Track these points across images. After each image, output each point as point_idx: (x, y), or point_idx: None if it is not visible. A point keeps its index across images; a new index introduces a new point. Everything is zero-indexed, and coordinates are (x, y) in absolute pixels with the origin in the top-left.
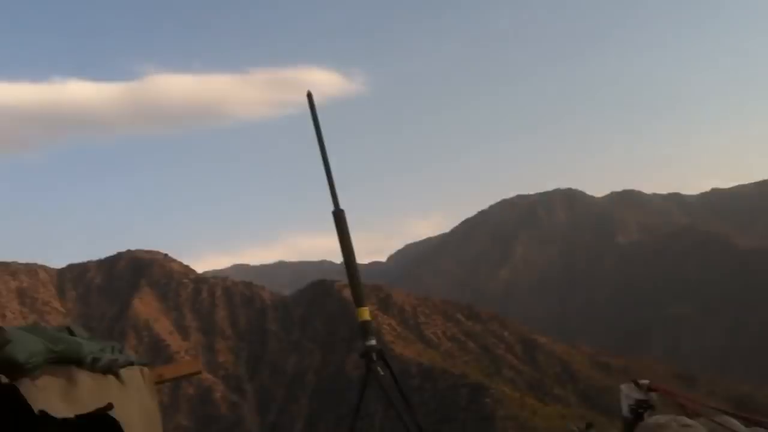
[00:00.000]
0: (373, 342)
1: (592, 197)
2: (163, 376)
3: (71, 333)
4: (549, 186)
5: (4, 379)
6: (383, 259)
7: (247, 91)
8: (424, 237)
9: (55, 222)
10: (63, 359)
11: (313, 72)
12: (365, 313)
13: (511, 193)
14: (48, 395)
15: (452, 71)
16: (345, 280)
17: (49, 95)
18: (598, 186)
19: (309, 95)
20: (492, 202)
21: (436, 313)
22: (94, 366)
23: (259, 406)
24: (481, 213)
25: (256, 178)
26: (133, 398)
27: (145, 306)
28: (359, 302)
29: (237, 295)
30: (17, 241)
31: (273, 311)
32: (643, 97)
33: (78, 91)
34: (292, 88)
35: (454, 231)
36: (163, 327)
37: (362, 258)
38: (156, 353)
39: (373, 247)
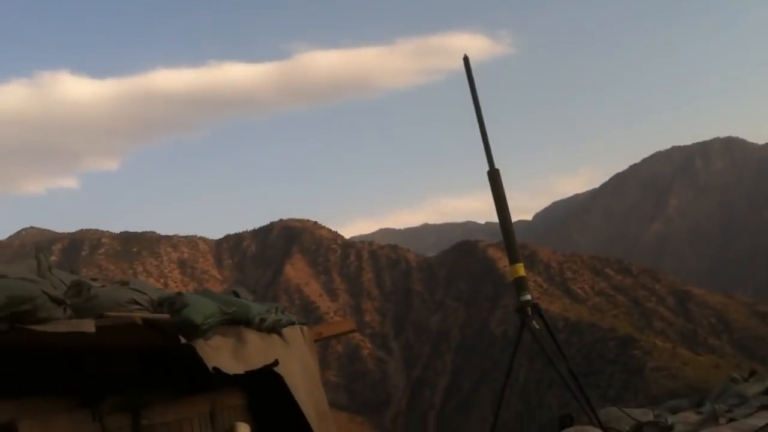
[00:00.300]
0: (528, 297)
1: (753, 144)
2: (321, 334)
3: (237, 296)
4: (707, 135)
5: (183, 340)
6: (529, 217)
7: (393, 62)
8: (571, 194)
9: (213, 197)
10: (234, 320)
11: (459, 37)
12: (520, 269)
13: (666, 145)
14: (220, 354)
15: (599, 24)
16: (489, 239)
17: (207, 78)
18: (760, 133)
19: (465, 59)
20: (645, 155)
21: (584, 269)
22: (261, 326)
23: (404, 363)
24: (633, 167)
25: (400, 145)
26: (294, 355)
27: (297, 271)
28: (514, 259)
29: (383, 258)
30: (179, 216)
31: (418, 272)
32: None
33: (233, 73)
34: (438, 55)
35: (604, 186)
36: (313, 290)
37: None
38: (307, 315)
39: (520, 206)
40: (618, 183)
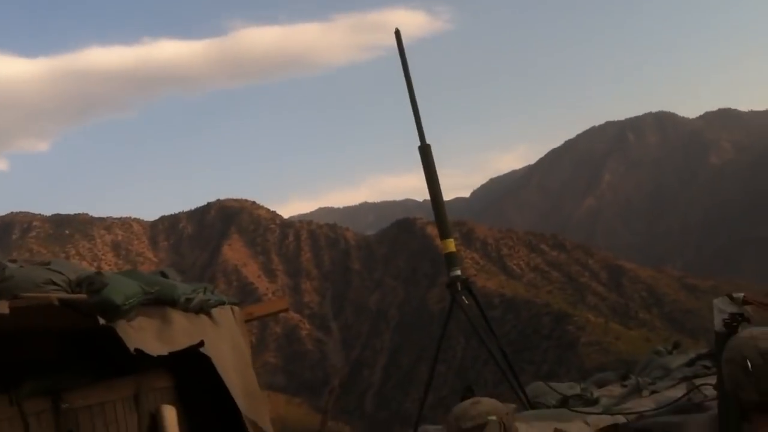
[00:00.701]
0: (458, 272)
1: (685, 119)
2: (252, 314)
3: (165, 276)
4: (640, 110)
5: (102, 321)
6: (467, 194)
7: (332, 38)
8: (508, 170)
9: (149, 177)
10: (158, 300)
11: (397, 13)
12: (450, 245)
13: (600, 120)
14: (144, 335)
15: (536, 1)
16: (428, 217)
17: (141, 55)
18: (691, 107)
19: (397, 32)
20: (579, 131)
21: (520, 245)
22: (187, 306)
23: (343, 343)
24: (568, 142)
25: (339, 123)
26: (224, 336)
27: (235, 252)
28: (444, 234)
29: (322, 238)
30: (113, 197)
31: (357, 251)
32: (743, 11)
33: (168, 50)
34: (376, 31)
35: (539, 162)
36: (252, 271)
37: (446, 194)
38: (245, 297)
39: (457, 183)
40: (553, 159)
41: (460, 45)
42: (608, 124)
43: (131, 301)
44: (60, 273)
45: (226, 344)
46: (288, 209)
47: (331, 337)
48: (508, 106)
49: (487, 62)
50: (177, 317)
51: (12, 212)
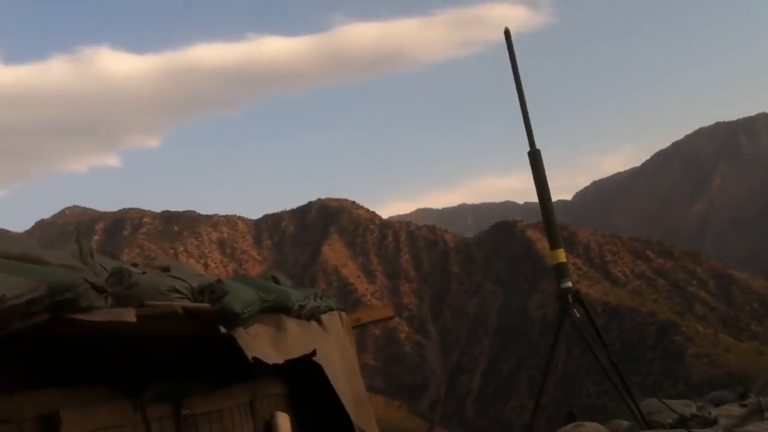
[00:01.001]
0: (569, 284)
1: None
2: (359, 320)
3: (276, 281)
4: (753, 110)
5: (223, 330)
6: (569, 197)
7: (431, 33)
8: (613, 173)
9: (253, 174)
10: (273, 308)
11: (498, 6)
12: (561, 255)
13: (709, 121)
14: (260, 343)
15: None
16: (528, 220)
17: (245, 52)
18: None
19: (506, 32)
20: (688, 131)
21: (624, 251)
22: (300, 313)
23: (442, 347)
24: (676, 144)
25: (437, 121)
26: (333, 342)
27: (334, 252)
28: (555, 244)
29: (420, 239)
30: (219, 196)
31: (456, 254)
32: None
33: (272, 47)
34: (477, 26)
35: (646, 164)
36: (351, 272)
37: None
38: (344, 297)
39: (558, 185)
40: (660, 161)
41: (563, 40)
42: (718, 124)
43: (250, 309)
44: (182, 280)
45: (335, 351)
46: (387, 210)
47: (429, 340)
48: (613, 104)
49: (591, 58)
50: (290, 325)
51: (124, 208)
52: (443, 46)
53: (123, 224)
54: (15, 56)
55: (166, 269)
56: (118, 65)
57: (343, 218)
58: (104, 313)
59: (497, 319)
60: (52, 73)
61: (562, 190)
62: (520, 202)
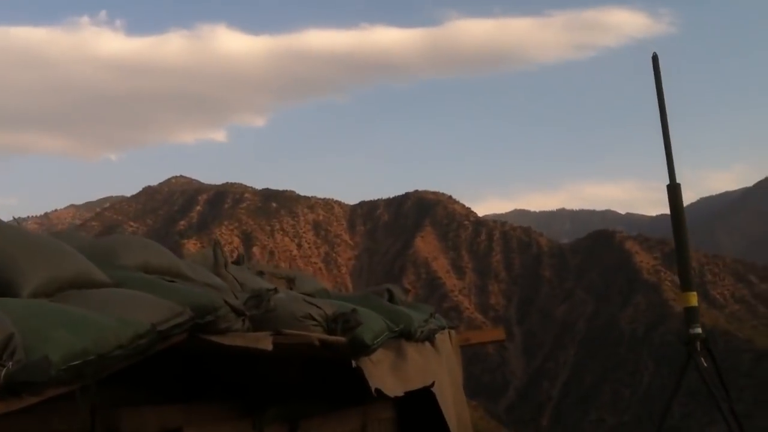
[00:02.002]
0: (699, 330)
1: None
2: (469, 340)
3: (391, 295)
4: None
5: (354, 363)
6: None
7: (545, 35)
8: (721, 191)
9: (352, 160)
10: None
11: (617, 13)
12: (693, 299)
13: None
14: (381, 371)
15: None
16: (627, 231)
17: (357, 40)
18: None
19: (654, 57)
20: None
21: (726, 273)
22: (418, 336)
23: (525, 350)
24: None
25: (543, 122)
26: (443, 364)
27: (426, 245)
28: (687, 286)
29: (514, 240)
30: (318, 178)
31: (549, 258)
32: None
33: (383, 37)
34: (592, 30)
35: (758, 185)
36: (441, 266)
37: (649, 209)
38: (432, 291)
39: (663, 199)
40: None
41: (681, 50)
42: None
43: (379, 340)
44: (318, 307)
45: (444, 373)
46: (483, 207)
47: (513, 342)
48: (727, 119)
49: (710, 70)
50: (411, 351)
51: (227, 182)
52: (557, 48)
53: (225, 197)
54: (136, 28)
55: (291, 280)
56: (233, 44)
57: (438, 212)
58: (242, 338)
59: (585, 328)
60: (170, 47)
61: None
62: (622, 212)
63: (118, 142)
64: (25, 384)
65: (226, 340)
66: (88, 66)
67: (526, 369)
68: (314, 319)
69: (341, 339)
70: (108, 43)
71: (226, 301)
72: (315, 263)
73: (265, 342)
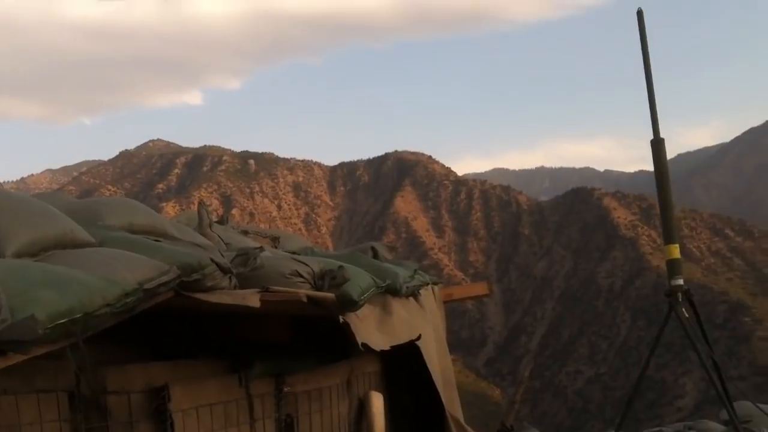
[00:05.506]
0: (681, 282)
1: None
2: (452, 295)
3: (375, 252)
4: None
5: (341, 319)
6: (651, 168)
7: None
8: (699, 147)
9: (331, 122)
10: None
11: None
12: (675, 251)
13: None
14: (367, 326)
15: None
16: (606, 188)
17: (332, 2)
18: None
19: (639, 13)
20: None
21: (703, 227)
22: (405, 293)
23: (504, 306)
24: None
25: (521, 82)
26: (428, 319)
27: (406, 204)
28: (670, 239)
29: (494, 198)
30: (297, 140)
31: (528, 216)
32: None
33: None
34: None
35: (735, 141)
36: (421, 225)
37: (627, 166)
38: (412, 250)
39: (640, 155)
40: (751, 139)
41: (660, 5)
42: None
43: (366, 296)
44: (305, 264)
45: (429, 328)
46: (462, 167)
47: (492, 298)
48: (707, 76)
49: (687, 24)
50: (396, 306)
51: (205, 145)
52: (534, 6)
53: (203, 160)
54: None
55: (276, 239)
56: (206, 5)
57: (417, 172)
58: (229, 296)
59: (563, 284)
60: (142, 9)
61: (644, 160)
62: (600, 169)
63: (91, 106)
64: (11, 343)
65: (214, 298)
66: (59, 30)
67: (505, 324)
68: (302, 276)
69: (329, 295)
70: (79, 6)
71: (212, 260)
72: (295, 224)
73: (252, 299)
